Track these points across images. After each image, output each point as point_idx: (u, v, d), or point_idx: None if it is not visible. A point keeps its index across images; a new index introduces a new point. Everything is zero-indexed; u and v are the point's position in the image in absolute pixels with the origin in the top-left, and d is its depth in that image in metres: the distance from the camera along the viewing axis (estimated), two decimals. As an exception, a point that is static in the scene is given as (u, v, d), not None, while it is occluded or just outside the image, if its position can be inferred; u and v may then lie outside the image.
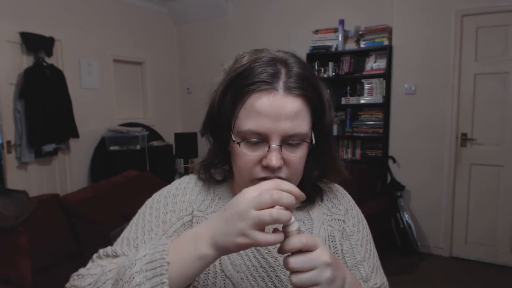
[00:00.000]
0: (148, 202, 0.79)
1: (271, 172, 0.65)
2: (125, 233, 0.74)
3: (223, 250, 0.55)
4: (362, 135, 3.86)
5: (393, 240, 3.60)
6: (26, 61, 3.68)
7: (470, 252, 3.47)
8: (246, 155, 0.66)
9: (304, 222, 0.78)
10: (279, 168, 0.65)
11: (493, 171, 3.33)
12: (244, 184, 0.68)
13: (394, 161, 3.75)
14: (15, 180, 3.58)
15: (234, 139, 0.67)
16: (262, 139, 0.65)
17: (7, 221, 2.06)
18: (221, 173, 0.81)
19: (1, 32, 3.48)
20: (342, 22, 3.81)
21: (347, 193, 0.87)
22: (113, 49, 4.52)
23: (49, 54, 3.78)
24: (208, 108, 0.73)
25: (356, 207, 0.86)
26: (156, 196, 0.79)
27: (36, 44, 3.67)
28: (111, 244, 0.76)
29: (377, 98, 3.70)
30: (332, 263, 0.55)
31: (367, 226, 0.84)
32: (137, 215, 0.77)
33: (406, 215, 3.52)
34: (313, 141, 0.69)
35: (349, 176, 0.81)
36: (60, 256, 2.36)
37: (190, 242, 0.56)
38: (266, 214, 0.51)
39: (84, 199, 2.62)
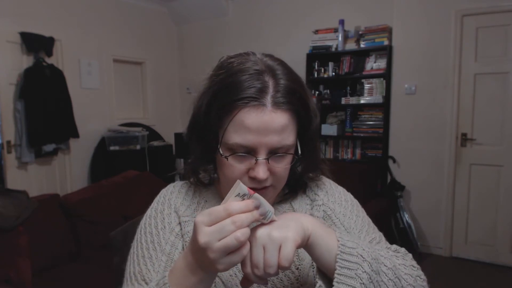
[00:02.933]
0: (141, 227, 0.80)
1: (258, 183, 0.67)
2: (130, 268, 0.76)
3: (214, 273, 0.58)
4: (362, 135, 3.85)
5: (393, 240, 3.59)
6: (26, 61, 3.68)
7: (470, 252, 3.47)
8: (233, 166, 0.67)
9: None
10: (266, 179, 0.67)
11: (493, 171, 3.33)
12: None
13: (394, 161, 3.75)
14: (15, 180, 3.58)
15: (221, 152, 0.68)
16: (249, 152, 0.65)
17: (7, 221, 2.06)
18: (207, 176, 0.83)
19: (1, 32, 3.48)
20: (342, 22, 3.81)
21: (331, 181, 0.88)
22: (113, 49, 4.52)
23: (49, 54, 3.78)
24: (193, 115, 0.74)
25: (339, 188, 0.87)
26: (146, 218, 0.81)
27: (36, 44, 3.67)
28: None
29: (377, 98, 3.70)
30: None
31: (353, 200, 0.86)
32: (134, 244, 0.79)
33: (406, 215, 3.52)
34: (299, 151, 0.71)
35: (331, 178, 0.85)
36: (60, 256, 2.37)
37: (185, 272, 0.58)
38: (232, 240, 0.51)
39: (84, 199, 2.63)
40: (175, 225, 0.77)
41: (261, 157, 0.65)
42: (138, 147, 4.34)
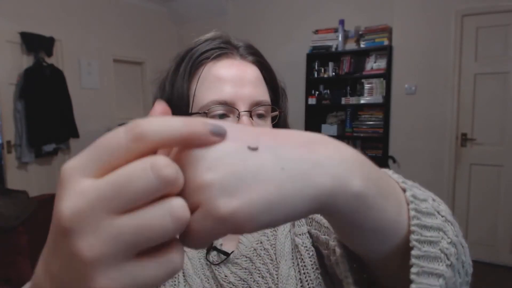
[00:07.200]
0: None
1: None
2: None
3: None
4: (362, 135, 3.85)
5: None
6: (26, 61, 3.68)
7: (470, 252, 3.46)
8: None
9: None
10: None
11: (493, 171, 3.32)
12: None
13: (394, 161, 3.74)
14: (15, 180, 3.58)
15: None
16: (228, 110, 0.56)
17: (7, 221, 2.06)
18: None
19: (1, 32, 3.48)
20: (342, 22, 3.81)
21: None
22: (113, 49, 4.52)
23: (49, 54, 3.78)
24: (156, 94, 0.65)
25: None
26: None
27: (36, 44, 3.67)
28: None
29: (377, 98, 3.70)
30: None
31: None
32: None
33: (406, 215, 3.52)
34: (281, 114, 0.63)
35: None
36: (60, 256, 2.36)
37: None
38: None
39: (84, 199, 2.62)
40: None
41: (243, 109, 0.55)
42: (138, 147, 4.34)
